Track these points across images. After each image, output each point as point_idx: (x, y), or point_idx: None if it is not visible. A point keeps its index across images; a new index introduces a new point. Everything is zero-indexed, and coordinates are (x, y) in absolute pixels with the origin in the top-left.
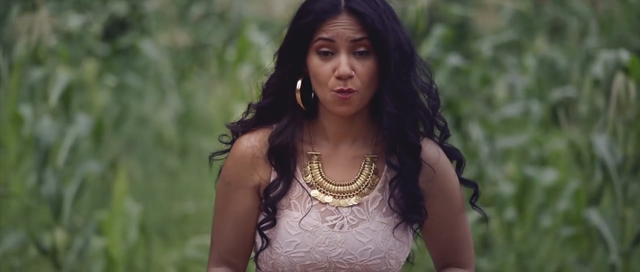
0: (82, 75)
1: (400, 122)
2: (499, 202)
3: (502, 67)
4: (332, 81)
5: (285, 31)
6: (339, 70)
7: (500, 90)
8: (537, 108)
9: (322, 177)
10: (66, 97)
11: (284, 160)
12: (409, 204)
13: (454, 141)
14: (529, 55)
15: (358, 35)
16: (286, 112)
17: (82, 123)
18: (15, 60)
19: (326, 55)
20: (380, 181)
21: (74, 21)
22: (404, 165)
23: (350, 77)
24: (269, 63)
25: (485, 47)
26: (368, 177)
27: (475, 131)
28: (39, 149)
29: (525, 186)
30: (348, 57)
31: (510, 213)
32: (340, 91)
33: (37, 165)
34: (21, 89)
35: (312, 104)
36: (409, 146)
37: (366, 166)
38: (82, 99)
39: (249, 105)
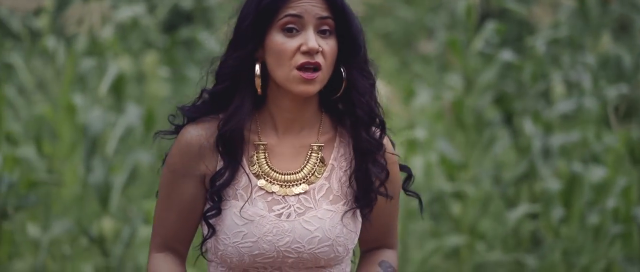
0: (142, 66)
1: (369, 100)
2: (546, 199)
3: (559, 63)
4: (297, 57)
5: (236, 15)
6: (307, 45)
7: (557, 86)
8: (592, 105)
9: (269, 166)
10: (118, 88)
11: (232, 148)
12: (363, 190)
13: (505, 136)
14: (587, 53)
15: (325, 13)
16: (235, 99)
17: (132, 113)
18: (72, 51)
19: (291, 32)
20: (326, 169)
21: (125, 12)
22: (356, 150)
23: (318, 52)
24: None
25: (539, 43)
26: (315, 166)
27: (528, 127)
28: (87, 138)
29: (572, 183)
30: (314, 34)
31: (557, 210)
32: (306, 68)
33: (85, 154)
34: (77, 79)
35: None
36: (366, 130)
37: (313, 154)
38: (141, 91)
39: (202, 91)
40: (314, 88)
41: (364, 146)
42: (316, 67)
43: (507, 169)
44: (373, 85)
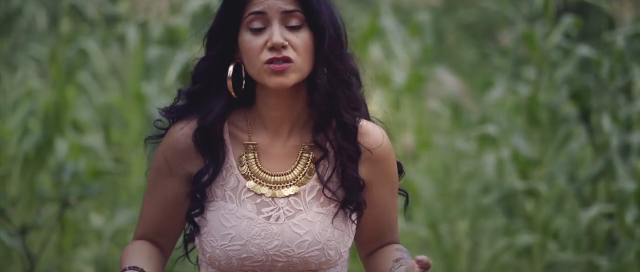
0: None
1: (333, 99)
2: (621, 199)
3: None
4: (265, 53)
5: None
6: (271, 40)
7: (638, 82)
8: None
9: (258, 167)
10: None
11: (211, 144)
12: (348, 191)
13: (582, 133)
14: None
15: (290, 7)
16: (214, 96)
17: None
18: (142, 39)
19: (258, 30)
20: (319, 168)
21: (196, 1)
22: (340, 149)
23: (284, 47)
24: (201, 48)
25: (619, 38)
26: (305, 166)
27: (606, 124)
28: (152, 127)
29: None
30: (280, 29)
31: (633, 211)
32: (274, 61)
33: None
34: (147, 68)
35: (249, 91)
36: (344, 127)
37: (304, 154)
38: None
39: (179, 92)
40: (287, 79)
41: (334, 146)
42: (285, 60)
43: (582, 167)
44: (343, 81)
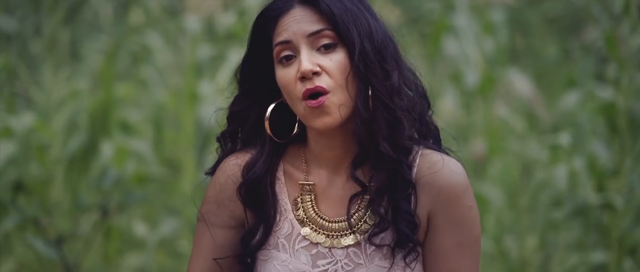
0: None
1: (371, 126)
2: None
3: None
4: (298, 87)
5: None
6: (300, 69)
7: None
8: None
9: (315, 211)
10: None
11: (259, 199)
12: (399, 232)
13: None
14: None
15: (315, 27)
16: (257, 142)
17: None
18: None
19: (289, 60)
20: (378, 216)
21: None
22: (381, 186)
23: (315, 73)
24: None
25: None
26: (367, 211)
27: None
28: (200, 129)
29: None
30: (309, 53)
31: None
32: (310, 95)
33: (197, 146)
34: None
35: (302, 127)
36: (381, 159)
37: (365, 196)
38: None
39: (216, 139)
40: (330, 118)
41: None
42: (319, 92)
43: None
44: (384, 104)
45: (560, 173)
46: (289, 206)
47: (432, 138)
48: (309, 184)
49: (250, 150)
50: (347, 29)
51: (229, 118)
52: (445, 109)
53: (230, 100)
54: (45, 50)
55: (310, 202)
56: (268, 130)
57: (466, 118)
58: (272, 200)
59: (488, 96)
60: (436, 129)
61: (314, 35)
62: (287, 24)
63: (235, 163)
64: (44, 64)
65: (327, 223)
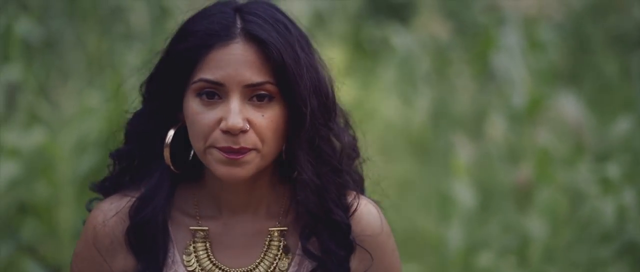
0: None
1: (322, 195)
2: None
3: None
4: (216, 136)
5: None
6: (226, 122)
7: None
8: None
9: (211, 261)
10: None
11: (149, 244)
12: None
13: None
14: None
15: (258, 78)
16: (153, 172)
17: None
18: None
19: (211, 98)
20: (293, 262)
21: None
22: (328, 253)
23: (243, 131)
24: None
25: None
26: (275, 259)
27: None
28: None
29: None
30: (241, 104)
31: None
32: (228, 150)
33: None
34: None
35: (196, 159)
36: (336, 227)
37: (273, 243)
38: None
39: (110, 156)
40: (243, 171)
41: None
42: (242, 151)
43: None
44: (334, 168)
45: (609, 206)
46: (178, 258)
47: (356, 186)
48: (202, 230)
49: (120, 198)
50: (296, 86)
51: (127, 136)
52: (492, 131)
53: (130, 115)
54: (76, 61)
55: (205, 251)
56: (168, 160)
57: (513, 141)
58: (163, 245)
59: (535, 119)
60: (361, 178)
61: (252, 87)
62: (224, 62)
63: (108, 212)
64: (71, 75)
65: None
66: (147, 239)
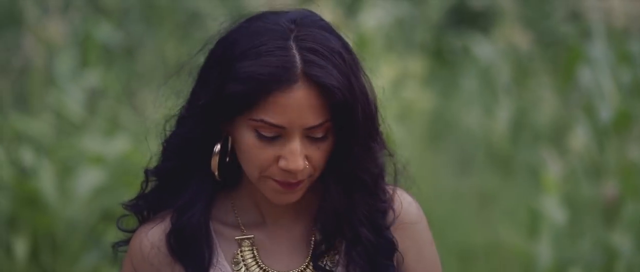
0: (405, 71)
1: (350, 218)
2: None
3: None
4: (273, 170)
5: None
6: (288, 165)
7: None
8: None
9: (261, 267)
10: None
11: (191, 245)
12: None
13: None
14: None
15: (319, 120)
16: (191, 180)
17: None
18: None
19: (270, 140)
20: (341, 256)
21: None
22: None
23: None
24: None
25: None
26: (325, 257)
27: None
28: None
29: None
30: (301, 146)
31: None
32: (286, 183)
33: None
34: None
35: (231, 165)
36: (360, 245)
37: (318, 243)
38: (400, 100)
39: (146, 173)
40: (295, 196)
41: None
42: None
43: None
44: (378, 174)
45: None
46: (227, 267)
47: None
48: (247, 238)
49: (161, 218)
50: (352, 121)
51: (164, 152)
52: (576, 144)
53: (168, 132)
54: (154, 67)
55: (253, 259)
56: (215, 168)
57: (599, 156)
58: (208, 247)
59: (622, 133)
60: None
61: (312, 128)
62: (285, 106)
63: (151, 232)
64: (149, 81)
65: None
66: (189, 242)
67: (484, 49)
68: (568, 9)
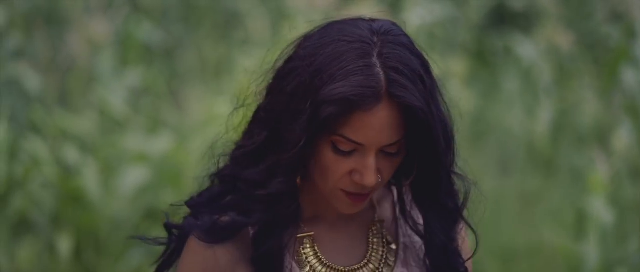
0: (446, 72)
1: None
2: None
3: None
4: (346, 181)
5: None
6: (363, 179)
7: None
8: None
9: (324, 263)
10: None
11: (273, 266)
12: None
13: None
14: None
15: (396, 138)
16: (256, 199)
17: None
18: None
19: (346, 154)
20: (400, 250)
21: (415, 20)
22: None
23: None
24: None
25: None
26: (383, 251)
27: None
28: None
29: None
30: (376, 161)
31: None
32: (356, 195)
33: None
34: None
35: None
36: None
37: (375, 237)
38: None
39: (212, 177)
40: (363, 206)
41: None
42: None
43: None
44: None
45: None
46: (294, 266)
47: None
48: (308, 235)
49: (224, 215)
50: (431, 139)
51: (234, 160)
52: (619, 144)
53: (240, 134)
54: (194, 66)
55: (314, 256)
56: (298, 179)
57: None
58: (280, 259)
59: None
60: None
61: (389, 146)
62: (368, 125)
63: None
64: (189, 81)
65: None
66: (273, 267)
67: (526, 49)
68: (610, 9)
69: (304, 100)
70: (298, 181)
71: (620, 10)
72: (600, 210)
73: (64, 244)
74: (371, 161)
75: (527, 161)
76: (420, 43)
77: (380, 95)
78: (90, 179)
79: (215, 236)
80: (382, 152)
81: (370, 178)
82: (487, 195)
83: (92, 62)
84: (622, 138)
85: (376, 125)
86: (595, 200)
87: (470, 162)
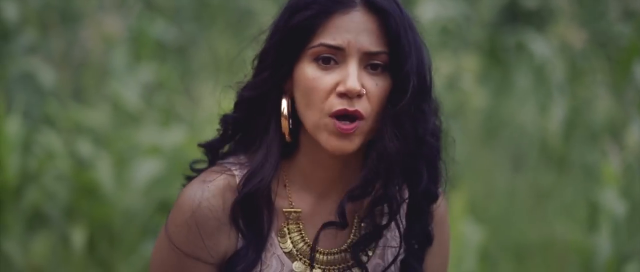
0: (459, 68)
1: (406, 173)
2: None
3: None
4: (332, 100)
5: (267, 31)
6: (345, 84)
7: None
8: None
9: (306, 242)
10: None
11: (256, 217)
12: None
13: None
14: None
15: (376, 48)
16: (260, 146)
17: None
18: None
19: (327, 63)
20: (380, 242)
21: (429, 14)
22: (411, 232)
23: (359, 95)
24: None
25: None
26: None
27: None
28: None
29: None
30: (358, 69)
31: None
32: (343, 115)
33: None
34: None
35: (291, 137)
36: (420, 211)
37: (361, 224)
38: (453, 97)
39: (223, 118)
40: (351, 144)
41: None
42: (356, 116)
43: None
44: (422, 139)
45: None
46: (275, 240)
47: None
48: (295, 211)
49: (214, 178)
50: (406, 59)
51: (236, 104)
52: (631, 141)
53: (242, 84)
54: (206, 63)
55: (298, 233)
56: (286, 129)
57: None
58: (268, 218)
59: None
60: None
61: (369, 55)
62: (344, 28)
63: (207, 190)
64: (201, 78)
65: (321, 255)
66: (254, 212)
67: (539, 46)
68: (622, 7)
69: (280, 21)
70: (287, 137)
71: (633, 8)
72: (613, 203)
73: (78, 237)
74: (352, 67)
75: (540, 157)
76: (433, 39)
77: (353, 1)
78: (103, 172)
79: (208, 145)
80: (365, 68)
81: (353, 81)
82: (499, 191)
83: (105, 58)
84: (634, 134)
85: (353, 28)
86: (608, 192)
87: (484, 158)
